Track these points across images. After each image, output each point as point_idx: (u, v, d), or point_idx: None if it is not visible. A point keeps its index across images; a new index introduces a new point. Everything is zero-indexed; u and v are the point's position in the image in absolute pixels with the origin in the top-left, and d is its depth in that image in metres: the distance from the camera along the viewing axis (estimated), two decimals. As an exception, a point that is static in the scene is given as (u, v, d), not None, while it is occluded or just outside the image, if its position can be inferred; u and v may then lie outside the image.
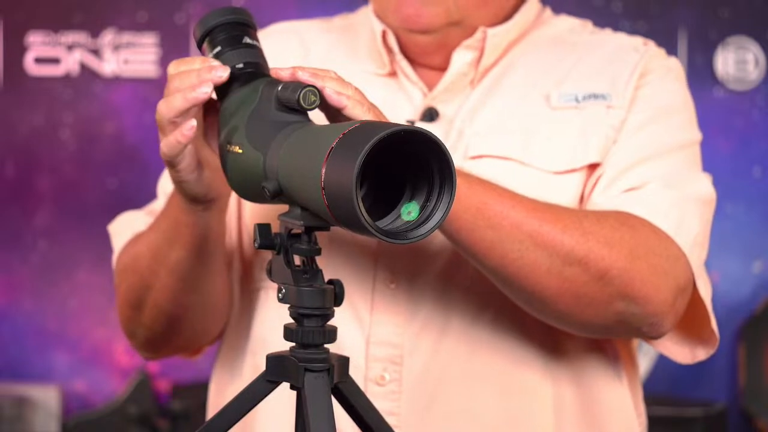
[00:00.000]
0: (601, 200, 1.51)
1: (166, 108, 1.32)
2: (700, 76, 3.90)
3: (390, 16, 1.58)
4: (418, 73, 1.61)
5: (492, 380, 1.53)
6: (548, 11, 1.69)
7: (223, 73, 1.31)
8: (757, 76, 3.94)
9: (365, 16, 1.67)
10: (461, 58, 1.58)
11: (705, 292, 1.53)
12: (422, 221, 1.15)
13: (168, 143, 1.33)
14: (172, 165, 1.36)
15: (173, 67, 1.35)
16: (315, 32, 1.69)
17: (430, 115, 1.57)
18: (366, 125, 1.13)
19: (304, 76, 1.29)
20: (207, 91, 1.31)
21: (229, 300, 1.63)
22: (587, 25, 1.68)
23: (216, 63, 1.33)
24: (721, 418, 3.76)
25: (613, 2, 3.92)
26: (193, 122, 1.31)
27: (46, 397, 3.97)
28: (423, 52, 1.60)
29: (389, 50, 1.60)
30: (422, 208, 1.15)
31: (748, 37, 3.93)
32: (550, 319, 1.49)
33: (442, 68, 1.60)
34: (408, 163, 1.15)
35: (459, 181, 1.29)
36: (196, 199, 1.42)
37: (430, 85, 1.60)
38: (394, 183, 1.16)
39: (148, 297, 1.56)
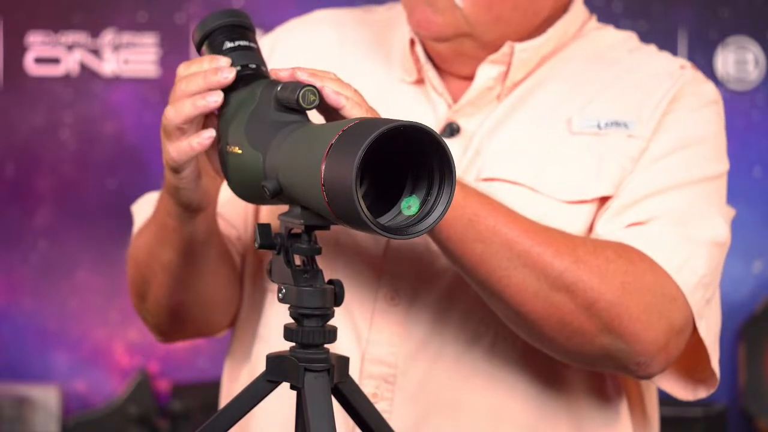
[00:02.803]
0: (604, 231, 1.47)
1: (174, 113, 1.32)
2: (700, 76, 3.89)
3: (411, 25, 1.55)
4: (446, 81, 1.58)
5: (484, 410, 1.51)
6: (593, 21, 1.63)
7: (228, 74, 1.30)
8: (757, 76, 3.94)
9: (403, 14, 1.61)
10: (486, 73, 1.54)
11: (707, 333, 1.47)
12: (423, 216, 1.15)
13: (179, 148, 1.33)
14: (177, 171, 1.36)
15: (183, 69, 1.35)
16: (354, 27, 1.66)
17: (451, 130, 1.54)
18: (365, 122, 1.13)
19: (302, 77, 1.29)
20: (218, 100, 1.30)
21: (233, 294, 1.62)
22: (630, 40, 1.63)
23: (223, 62, 1.32)
24: (721, 418, 3.76)
25: (613, 2, 3.92)
26: (212, 132, 1.31)
27: (46, 397, 3.97)
28: (443, 59, 1.57)
29: (417, 58, 1.58)
30: (423, 203, 1.15)
31: (748, 37, 3.93)
32: (536, 343, 1.46)
33: (470, 77, 1.56)
34: (408, 158, 1.15)
35: (456, 190, 1.27)
36: (188, 207, 1.42)
37: (457, 96, 1.57)
38: (394, 181, 1.16)
39: (149, 290, 1.57)
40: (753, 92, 3.94)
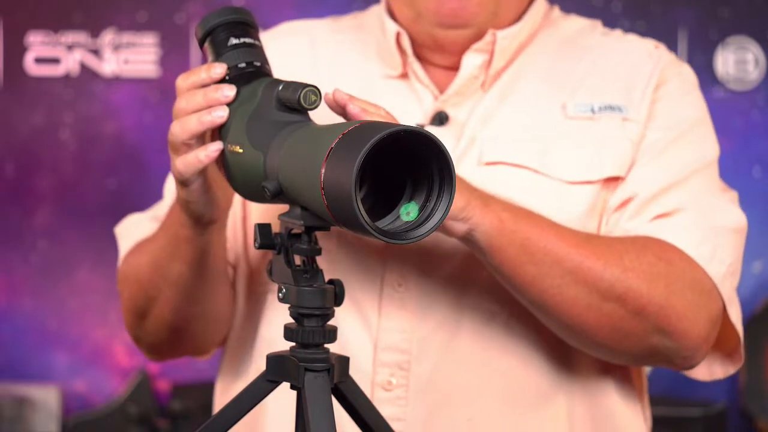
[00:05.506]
0: (632, 227, 1.51)
1: (180, 130, 1.33)
2: (700, 76, 3.85)
3: (428, 12, 1.55)
4: (429, 74, 1.59)
5: (502, 388, 1.52)
6: (556, 11, 1.67)
7: (229, 92, 1.32)
8: (757, 76, 3.94)
9: (376, 15, 1.65)
10: (471, 61, 1.57)
11: (737, 319, 1.54)
12: (422, 221, 1.15)
13: (186, 162, 1.33)
14: (185, 184, 1.36)
15: (181, 81, 1.35)
16: (325, 32, 1.68)
17: (440, 119, 1.56)
18: (366, 126, 1.13)
19: (354, 110, 1.30)
20: (223, 116, 1.31)
21: (232, 308, 1.62)
22: (597, 26, 1.67)
23: (219, 70, 1.33)
24: (721, 418, 3.75)
25: (613, 2, 3.92)
26: (219, 144, 1.32)
27: (46, 397, 3.97)
28: (437, 48, 1.57)
29: (402, 51, 1.59)
30: (422, 209, 1.15)
31: (748, 37, 3.93)
32: (587, 348, 1.50)
33: (453, 68, 1.58)
34: (408, 163, 1.15)
35: (505, 215, 1.36)
36: (200, 219, 1.42)
37: (441, 87, 1.59)
38: (394, 184, 1.16)
39: (151, 308, 1.56)
40: (753, 92, 3.94)
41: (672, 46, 3.82)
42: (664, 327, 1.45)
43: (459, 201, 1.36)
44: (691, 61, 3.89)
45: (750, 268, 3.91)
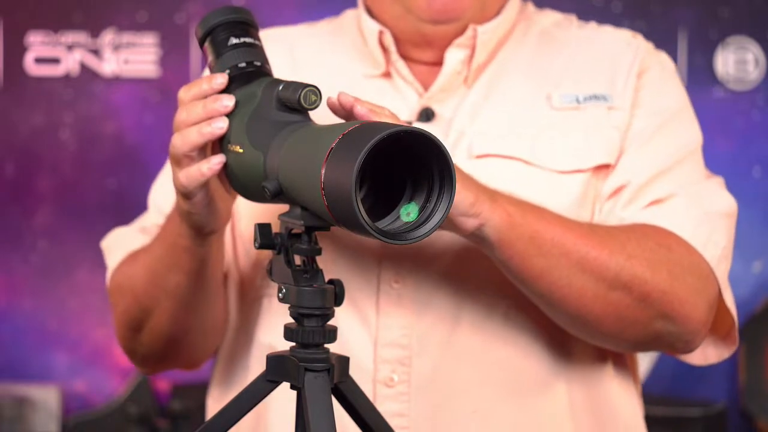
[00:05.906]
0: (627, 214, 1.53)
1: (181, 142, 1.33)
2: (700, 76, 3.89)
3: (418, 9, 1.55)
4: (412, 71, 1.60)
5: (503, 379, 1.53)
6: (530, 6, 1.69)
7: (228, 102, 1.32)
8: (757, 76, 3.94)
9: (352, 18, 1.66)
10: (454, 56, 1.58)
11: (731, 303, 1.55)
12: (422, 222, 1.15)
13: (189, 175, 1.34)
14: (188, 197, 1.36)
15: (183, 93, 1.36)
16: (302, 37, 1.69)
17: (426, 115, 1.57)
18: (366, 126, 1.13)
19: (362, 111, 1.31)
20: (223, 127, 1.32)
21: (227, 317, 1.62)
22: (572, 20, 1.68)
23: (220, 80, 1.33)
24: (721, 418, 3.76)
25: (613, 2, 3.92)
26: (222, 157, 1.33)
27: (46, 397, 3.97)
28: (428, 44, 1.58)
29: (384, 50, 1.60)
30: (422, 209, 1.15)
31: (748, 37, 3.93)
32: (588, 338, 1.51)
33: (435, 64, 1.59)
34: (408, 164, 1.15)
35: (512, 209, 1.36)
36: (201, 230, 1.43)
37: (423, 85, 1.59)
38: (394, 184, 1.16)
39: (148, 320, 1.56)
40: (753, 92, 3.94)
41: (672, 46, 3.83)
42: (667, 312, 1.47)
43: (468, 196, 1.37)
44: (691, 61, 3.89)
45: (750, 268, 3.91)
